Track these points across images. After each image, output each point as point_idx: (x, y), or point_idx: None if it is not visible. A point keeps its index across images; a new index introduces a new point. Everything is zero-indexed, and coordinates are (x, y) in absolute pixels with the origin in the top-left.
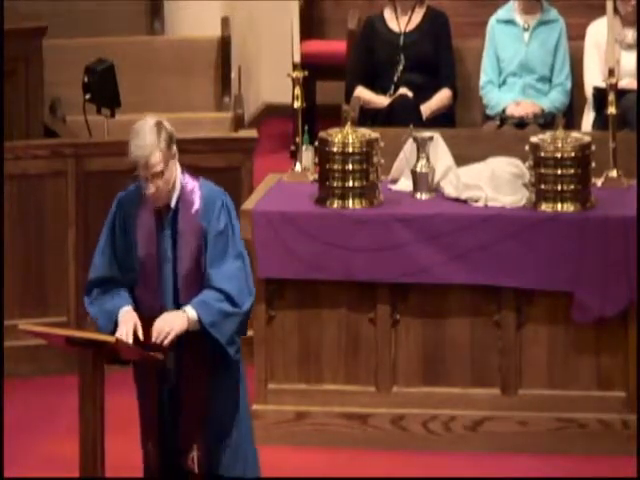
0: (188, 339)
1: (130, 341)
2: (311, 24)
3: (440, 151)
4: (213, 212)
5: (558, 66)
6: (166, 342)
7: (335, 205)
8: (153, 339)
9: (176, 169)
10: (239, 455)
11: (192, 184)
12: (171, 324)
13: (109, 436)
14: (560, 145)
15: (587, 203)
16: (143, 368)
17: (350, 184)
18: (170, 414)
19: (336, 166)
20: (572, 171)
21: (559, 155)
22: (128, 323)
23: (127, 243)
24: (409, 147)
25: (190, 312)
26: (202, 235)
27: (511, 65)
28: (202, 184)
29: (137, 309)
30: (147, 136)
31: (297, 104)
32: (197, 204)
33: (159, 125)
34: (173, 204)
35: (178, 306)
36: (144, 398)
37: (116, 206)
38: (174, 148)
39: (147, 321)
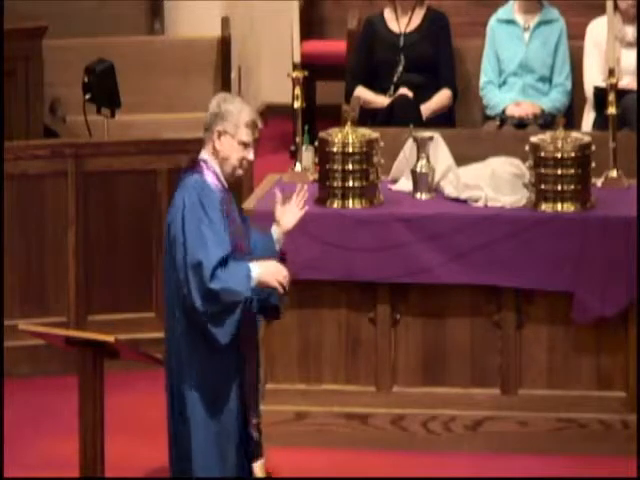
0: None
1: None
2: (311, 24)
3: (440, 151)
4: None
5: (558, 66)
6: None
7: (335, 205)
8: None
9: None
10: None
11: None
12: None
13: (109, 436)
14: (560, 145)
15: (587, 203)
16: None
17: (350, 184)
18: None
19: (336, 166)
20: (572, 171)
21: (559, 155)
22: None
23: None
24: (409, 147)
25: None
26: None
27: (511, 65)
28: None
29: None
30: (247, 104)
31: (297, 104)
32: None
33: None
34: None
35: None
36: (246, 371)
37: (198, 194)
38: None
39: None
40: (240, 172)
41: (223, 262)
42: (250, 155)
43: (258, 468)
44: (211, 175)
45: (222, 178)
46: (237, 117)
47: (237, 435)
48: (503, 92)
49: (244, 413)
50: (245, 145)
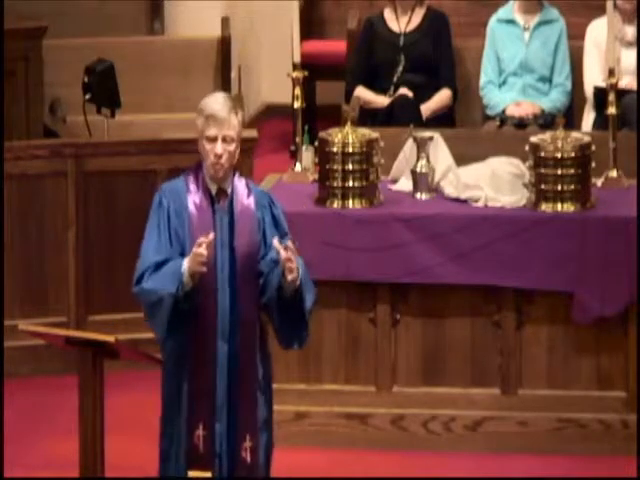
0: (242, 335)
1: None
2: (311, 24)
3: (440, 151)
4: (273, 204)
5: (558, 66)
6: (290, 270)
7: (335, 205)
8: (284, 255)
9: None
10: (268, 455)
11: (242, 179)
12: (298, 268)
13: (109, 436)
14: (560, 145)
15: (587, 203)
16: (200, 357)
17: (350, 184)
18: (225, 403)
19: (336, 166)
20: (572, 171)
21: (559, 155)
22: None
23: (178, 230)
24: (409, 147)
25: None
26: (257, 224)
27: (511, 65)
28: (250, 182)
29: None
30: (226, 101)
31: (297, 104)
32: (249, 195)
33: (235, 101)
34: (229, 191)
35: (233, 292)
36: (198, 386)
37: (162, 195)
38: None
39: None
40: (218, 172)
41: (157, 265)
42: (217, 149)
43: (192, 477)
44: (192, 178)
45: (208, 181)
46: (202, 112)
47: (185, 441)
48: (503, 92)
49: (191, 421)
50: (210, 140)
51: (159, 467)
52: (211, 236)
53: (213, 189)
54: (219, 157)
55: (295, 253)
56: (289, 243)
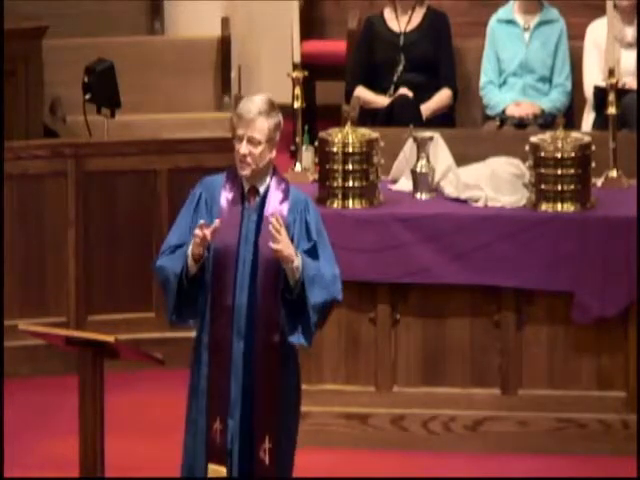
0: (259, 334)
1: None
2: (311, 24)
3: (440, 151)
4: (306, 210)
5: (558, 66)
6: (274, 240)
7: (335, 205)
8: (272, 220)
9: (269, 164)
10: (292, 456)
11: (282, 183)
12: (287, 242)
13: (109, 436)
14: (560, 145)
15: (587, 203)
16: (217, 349)
17: (350, 184)
18: (239, 399)
19: (336, 166)
20: (572, 171)
21: (559, 155)
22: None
23: (211, 222)
24: (409, 147)
25: (299, 256)
26: (287, 228)
27: (511, 65)
28: (292, 187)
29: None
30: (260, 103)
31: (297, 104)
32: (287, 199)
33: (275, 105)
34: (262, 191)
35: (252, 291)
36: (215, 378)
37: (200, 186)
38: (277, 137)
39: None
40: (243, 170)
41: (174, 248)
42: (241, 148)
43: (211, 470)
44: (231, 175)
45: (243, 179)
46: (236, 111)
47: (204, 435)
48: (503, 92)
49: (209, 415)
50: (239, 138)
51: (182, 462)
52: (217, 222)
53: (246, 187)
54: (244, 157)
55: (281, 226)
56: (274, 217)
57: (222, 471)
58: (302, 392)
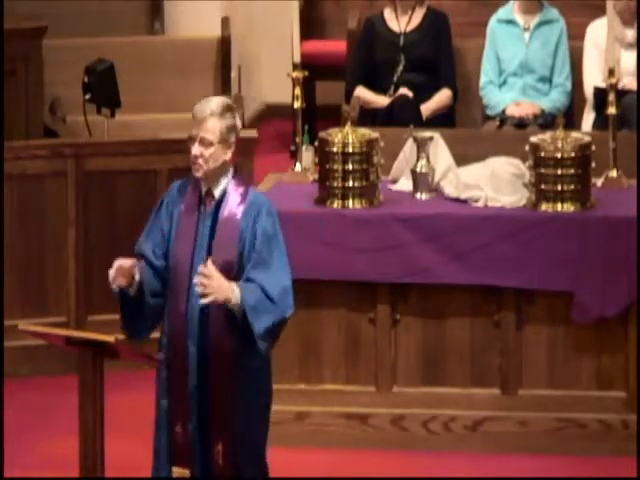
0: (212, 340)
1: (113, 272)
2: (311, 24)
3: (440, 151)
4: (258, 215)
5: (558, 66)
6: (202, 295)
7: (335, 205)
8: (195, 280)
9: (226, 165)
10: (256, 456)
11: (240, 186)
12: (219, 285)
13: (109, 436)
14: (560, 145)
15: (587, 203)
16: (174, 354)
17: (350, 184)
18: (196, 404)
19: (336, 166)
20: (572, 171)
21: (559, 155)
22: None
23: (169, 228)
24: (409, 147)
25: (237, 289)
26: (239, 232)
27: (511, 65)
28: (251, 190)
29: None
30: (215, 104)
31: (297, 104)
32: (242, 203)
33: (230, 107)
34: (217, 195)
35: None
36: (173, 383)
37: (168, 192)
38: (232, 138)
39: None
40: (196, 172)
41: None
42: (193, 149)
43: (175, 473)
44: (193, 178)
45: (202, 183)
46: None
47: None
48: (503, 92)
49: (171, 419)
50: (192, 139)
51: (152, 464)
52: (128, 263)
53: (203, 191)
54: (195, 158)
55: (209, 275)
56: (201, 267)
57: (186, 473)
58: (271, 395)
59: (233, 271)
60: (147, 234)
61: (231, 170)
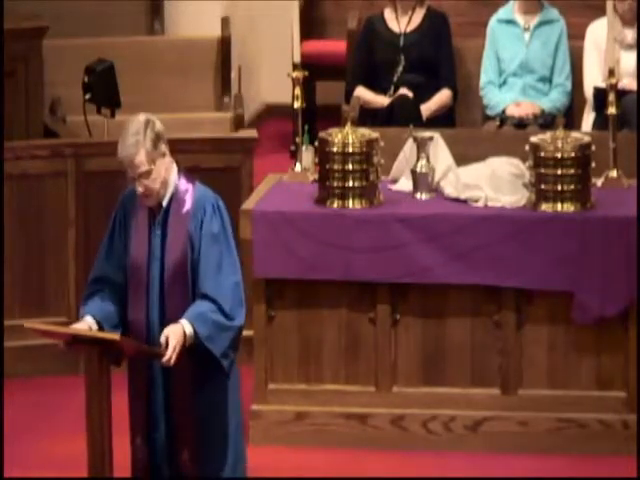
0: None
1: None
2: (311, 24)
3: (440, 151)
4: (204, 215)
5: (558, 66)
6: (173, 358)
7: (335, 205)
8: (166, 357)
9: (169, 169)
10: (228, 460)
11: (186, 186)
12: (177, 341)
13: (115, 435)
14: (560, 145)
15: (587, 203)
16: (135, 368)
17: (350, 184)
18: (163, 414)
19: (336, 166)
20: (572, 171)
21: (559, 155)
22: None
23: (125, 241)
24: (409, 147)
25: (187, 327)
26: (188, 237)
27: (511, 65)
28: (197, 187)
29: (124, 316)
30: (130, 137)
31: (297, 104)
32: (188, 205)
33: (146, 124)
34: (165, 203)
35: (163, 306)
36: (135, 396)
37: (119, 204)
38: (162, 147)
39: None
40: (149, 204)
41: (93, 282)
42: (139, 189)
43: None
44: None
45: None
46: None
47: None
48: (503, 92)
49: (131, 431)
50: (131, 179)
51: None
52: (83, 326)
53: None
54: (143, 194)
55: (170, 347)
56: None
57: None
58: (240, 404)
59: (187, 273)
60: (105, 257)
61: (174, 169)
